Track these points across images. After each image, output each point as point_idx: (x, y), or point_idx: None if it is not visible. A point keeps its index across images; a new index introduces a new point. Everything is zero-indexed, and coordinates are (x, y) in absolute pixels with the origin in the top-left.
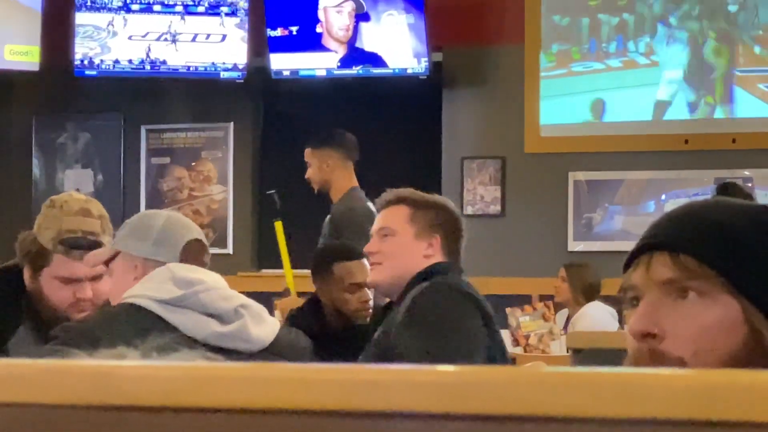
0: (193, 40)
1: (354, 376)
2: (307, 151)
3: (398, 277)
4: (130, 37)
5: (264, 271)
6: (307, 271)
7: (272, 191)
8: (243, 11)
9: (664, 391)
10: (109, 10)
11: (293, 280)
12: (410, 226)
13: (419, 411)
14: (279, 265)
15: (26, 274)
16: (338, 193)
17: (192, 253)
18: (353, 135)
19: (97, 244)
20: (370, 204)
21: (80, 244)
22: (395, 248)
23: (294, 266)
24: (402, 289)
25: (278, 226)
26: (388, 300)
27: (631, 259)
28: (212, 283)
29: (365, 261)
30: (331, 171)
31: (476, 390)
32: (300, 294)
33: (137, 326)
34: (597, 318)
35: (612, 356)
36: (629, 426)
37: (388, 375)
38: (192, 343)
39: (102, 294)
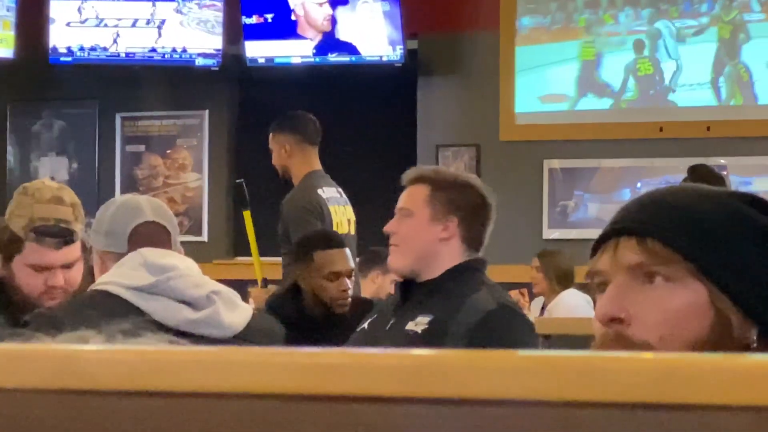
0: (137, 24)
1: (316, 360)
2: (269, 137)
3: (414, 260)
4: (105, 25)
5: (239, 258)
6: (279, 259)
7: (240, 180)
8: None
9: (626, 374)
10: None
11: (261, 269)
12: (427, 207)
13: (382, 395)
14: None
15: None
16: (296, 179)
17: (142, 238)
18: (322, 117)
19: (69, 232)
20: (323, 190)
21: (52, 232)
22: (410, 231)
23: (266, 254)
24: (424, 272)
25: (247, 215)
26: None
27: (599, 244)
28: (185, 269)
29: (347, 251)
30: (288, 156)
31: (438, 374)
32: (268, 282)
33: (108, 313)
34: (573, 306)
35: (581, 342)
36: (591, 409)
37: (350, 359)
38: (161, 328)
39: (74, 282)
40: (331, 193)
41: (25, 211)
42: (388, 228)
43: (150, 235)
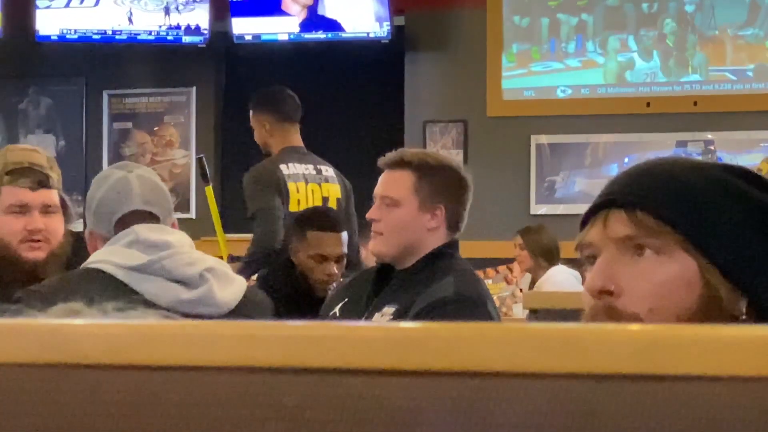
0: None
1: (303, 333)
2: (250, 115)
3: (401, 249)
4: (91, 3)
5: (227, 235)
6: (247, 235)
7: (200, 156)
8: None
9: (612, 346)
10: None
11: (226, 245)
12: (414, 196)
13: (370, 367)
14: (243, 228)
15: None
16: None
17: (129, 226)
18: (303, 94)
19: (44, 175)
20: (288, 166)
21: (27, 173)
22: (398, 221)
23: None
24: (407, 260)
25: (209, 191)
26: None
27: (588, 216)
28: (178, 245)
29: (342, 236)
30: (269, 134)
31: (425, 346)
32: (234, 259)
33: (100, 291)
34: (561, 281)
35: (569, 316)
36: (578, 381)
37: (338, 332)
38: (153, 308)
39: (54, 231)
40: (298, 170)
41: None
42: (371, 215)
43: (137, 222)
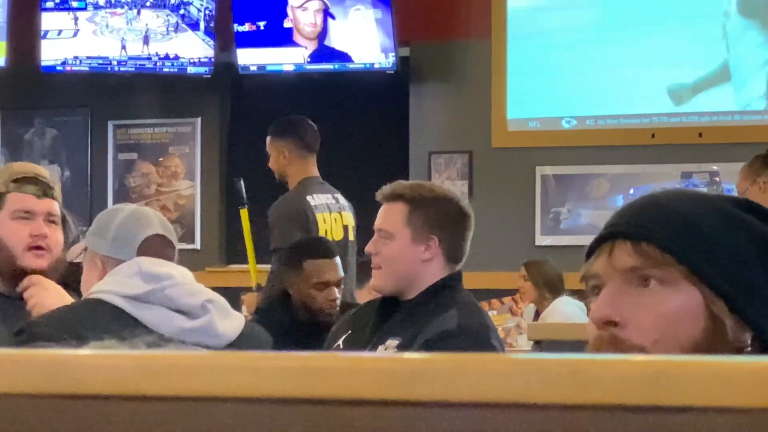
0: (153, 34)
1: (307, 364)
2: (267, 141)
3: (398, 282)
4: (96, 33)
5: (232, 266)
6: (267, 267)
7: (238, 179)
8: (208, 8)
9: (614, 377)
10: (75, 9)
11: (256, 271)
12: (407, 228)
13: (373, 398)
14: (247, 260)
15: None
16: (292, 184)
17: (150, 250)
18: (315, 125)
19: (48, 186)
20: (314, 197)
21: (32, 181)
22: (393, 253)
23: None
24: (407, 292)
25: (244, 213)
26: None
27: (593, 247)
28: (179, 277)
29: (337, 260)
30: (288, 162)
31: (428, 377)
32: (261, 287)
33: (103, 321)
34: (566, 313)
35: (573, 348)
36: (581, 412)
37: (341, 362)
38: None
39: (57, 242)
40: (322, 200)
41: (5, 172)
42: (368, 248)
43: (158, 247)
